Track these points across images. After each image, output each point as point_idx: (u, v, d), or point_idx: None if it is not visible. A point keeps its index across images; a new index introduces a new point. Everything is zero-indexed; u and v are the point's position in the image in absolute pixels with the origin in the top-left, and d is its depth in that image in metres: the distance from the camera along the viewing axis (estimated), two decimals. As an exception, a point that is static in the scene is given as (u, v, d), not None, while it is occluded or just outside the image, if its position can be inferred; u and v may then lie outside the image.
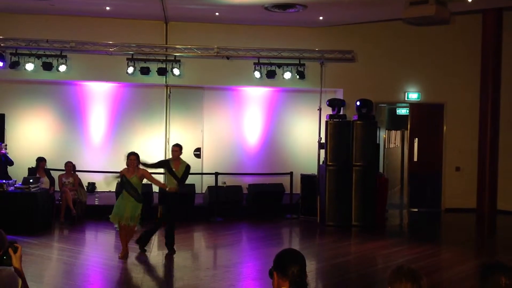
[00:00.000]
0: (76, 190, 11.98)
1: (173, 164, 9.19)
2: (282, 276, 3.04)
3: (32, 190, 10.68)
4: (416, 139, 14.71)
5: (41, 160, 12.23)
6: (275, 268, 3.09)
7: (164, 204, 9.32)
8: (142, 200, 8.77)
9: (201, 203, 12.87)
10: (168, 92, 14.33)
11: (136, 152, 8.94)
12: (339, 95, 13.97)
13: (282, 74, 13.60)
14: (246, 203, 12.92)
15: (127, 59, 13.20)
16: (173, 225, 9.22)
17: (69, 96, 14.30)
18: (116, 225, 9.64)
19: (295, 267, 3.03)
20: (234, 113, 14.77)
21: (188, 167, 9.30)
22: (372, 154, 12.33)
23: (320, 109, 12.92)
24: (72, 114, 14.28)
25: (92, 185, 13.77)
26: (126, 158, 8.80)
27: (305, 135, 14.40)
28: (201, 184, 14.05)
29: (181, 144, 9.49)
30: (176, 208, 9.36)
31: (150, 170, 9.10)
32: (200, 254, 9.99)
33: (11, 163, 12.26)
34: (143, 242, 9.19)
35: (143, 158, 9.18)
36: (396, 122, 18.45)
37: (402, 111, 17.53)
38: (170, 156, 9.63)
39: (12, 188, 10.71)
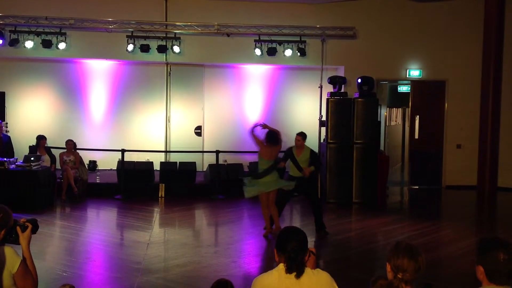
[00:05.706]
0: (77, 168, 12.01)
1: (296, 151, 9.21)
2: (281, 253, 3.21)
3: (34, 168, 10.71)
4: (417, 116, 14.67)
5: (41, 138, 12.22)
6: (275, 245, 3.25)
7: (301, 191, 9.54)
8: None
9: (202, 181, 12.91)
10: (169, 70, 14.27)
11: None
12: (340, 72, 13.89)
13: (283, 51, 13.52)
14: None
15: (127, 36, 13.13)
16: (319, 207, 9.28)
17: (69, 74, 14.24)
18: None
19: (290, 244, 3.18)
20: (234, 91, 14.71)
21: (312, 152, 9.26)
22: (373, 132, 12.31)
23: (321, 87, 12.86)
24: (72, 92, 14.23)
25: (93, 163, 13.79)
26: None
27: (306, 112, 14.36)
28: (202, 162, 14.09)
29: (305, 133, 9.37)
30: (314, 192, 9.57)
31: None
32: (201, 231, 10.05)
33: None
34: (321, 226, 9.19)
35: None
36: (398, 100, 18.39)
37: (404, 88, 17.47)
38: (294, 145, 9.37)
39: (13, 166, 10.73)
